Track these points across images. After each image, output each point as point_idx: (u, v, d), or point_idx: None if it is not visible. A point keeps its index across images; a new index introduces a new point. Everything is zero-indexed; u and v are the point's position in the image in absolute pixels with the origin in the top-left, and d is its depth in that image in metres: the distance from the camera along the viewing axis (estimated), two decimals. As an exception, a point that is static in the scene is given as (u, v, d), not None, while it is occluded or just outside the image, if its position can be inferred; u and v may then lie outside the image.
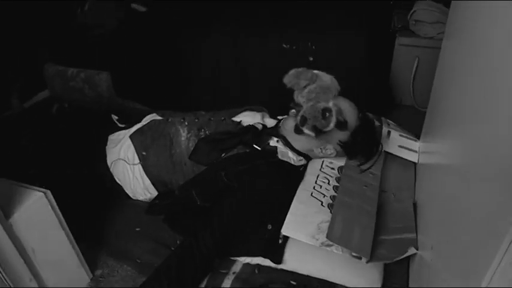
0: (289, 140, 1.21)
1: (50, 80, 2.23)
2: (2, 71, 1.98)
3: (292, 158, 1.19)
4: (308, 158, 1.24)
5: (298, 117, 1.11)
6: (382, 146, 1.28)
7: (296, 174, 1.19)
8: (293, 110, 1.20)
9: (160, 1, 2.42)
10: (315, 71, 1.19)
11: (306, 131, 1.10)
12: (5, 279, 0.83)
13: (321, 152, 1.21)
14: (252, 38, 1.81)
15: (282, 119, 1.28)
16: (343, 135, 1.16)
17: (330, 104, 1.10)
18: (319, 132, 1.09)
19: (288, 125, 1.20)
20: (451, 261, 0.72)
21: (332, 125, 1.09)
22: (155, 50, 1.92)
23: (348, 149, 1.19)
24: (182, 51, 1.87)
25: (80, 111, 1.64)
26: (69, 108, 1.62)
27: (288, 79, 1.17)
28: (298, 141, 1.21)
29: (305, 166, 1.25)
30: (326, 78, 1.17)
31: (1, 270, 0.81)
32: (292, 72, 1.18)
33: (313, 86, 1.14)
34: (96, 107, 1.96)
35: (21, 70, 2.09)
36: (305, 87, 1.15)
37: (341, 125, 1.10)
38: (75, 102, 2.15)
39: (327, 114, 1.08)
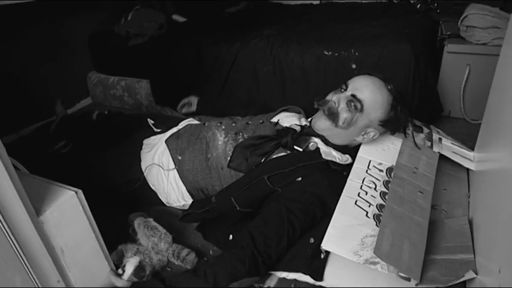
0: (328, 138, 1.17)
1: (92, 88, 2.30)
2: (48, 79, 2.06)
3: (337, 156, 1.13)
4: (353, 155, 1.17)
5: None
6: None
7: (342, 175, 1.12)
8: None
9: (199, 12, 2.47)
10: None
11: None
12: (34, 279, 0.81)
13: (364, 138, 1.17)
14: (292, 44, 1.77)
15: (311, 120, 1.23)
16: (381, 114, 1.12)
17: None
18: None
19: (321, 124, 1.16)
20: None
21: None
22: (193, 58, 1.93)
23: (391, 126, 1.16)
24: (221, 59, 1.86)
25: (118, 115, 1.65)
26: (109, 114, 1.63)
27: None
28: (337, 137, 1.16)
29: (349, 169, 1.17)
30: None
31: (30, 270, 0.79)
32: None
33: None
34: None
35: (66, 78, 2.18)
36: None
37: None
38: (115, 109, 2.21)
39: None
